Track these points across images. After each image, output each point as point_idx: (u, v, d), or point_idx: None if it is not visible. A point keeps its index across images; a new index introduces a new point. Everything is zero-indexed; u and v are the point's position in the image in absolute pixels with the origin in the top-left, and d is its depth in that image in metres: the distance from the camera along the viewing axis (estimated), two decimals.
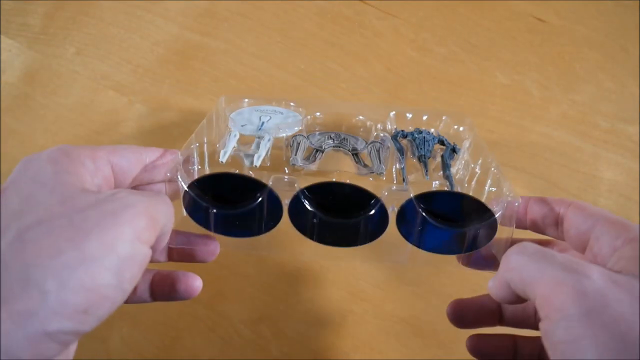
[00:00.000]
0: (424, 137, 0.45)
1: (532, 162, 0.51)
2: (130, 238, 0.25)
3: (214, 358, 0.43)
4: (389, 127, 0.47)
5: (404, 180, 0.42)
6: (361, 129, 0.48)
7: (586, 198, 0.49)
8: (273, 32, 0.55)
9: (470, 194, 0.40)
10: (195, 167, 0.36)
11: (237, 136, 0.43)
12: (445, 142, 0.45)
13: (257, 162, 0.41)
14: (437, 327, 0.44)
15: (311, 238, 0.35)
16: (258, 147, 0.43)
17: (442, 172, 0.43)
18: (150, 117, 0.51)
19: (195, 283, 0.33)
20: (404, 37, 0.56)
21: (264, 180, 0.33)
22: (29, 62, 0.53)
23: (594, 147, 0.51)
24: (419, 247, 0.36)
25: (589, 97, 0.53)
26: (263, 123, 0.45)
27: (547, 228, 0.35)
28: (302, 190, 0.34)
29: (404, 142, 0.45)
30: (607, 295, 0.23)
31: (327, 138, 0.46)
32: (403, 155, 0.44)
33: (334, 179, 0.35)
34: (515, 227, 0.36)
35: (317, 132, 0.47)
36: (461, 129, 0.48)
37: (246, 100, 0.47)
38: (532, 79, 0.54)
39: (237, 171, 0.34)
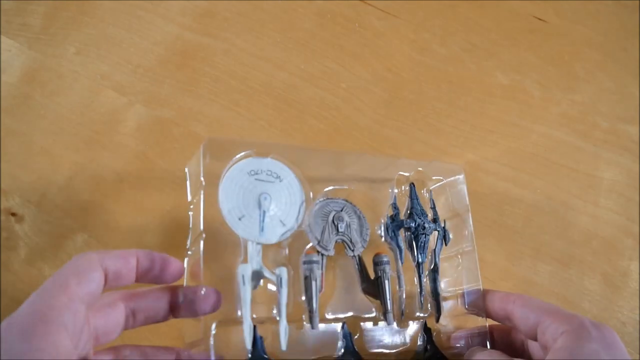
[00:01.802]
0: (425, 230, 0.42)
1: (532, 162, 0.51)
2: None
3: None
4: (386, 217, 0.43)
5: (402, 313, 0.40)
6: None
7: (586, 198, 0.49)
8: (273, 32, 0.55)
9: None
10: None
11: (250, 286, 0.34)
12: (437, 226, 0.43)
13: (284, 346, 0.34)
14: None
15: None
16: (256, 284, 0.35)
17: (430, 287, 0.42)
18: (150, 117, 0.51)
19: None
20: (404, 37, 0.56)
21: None
22: (29, 62, 0.53)
23: (594, 147, 0.51)
24: None
25: (589, 97, 0.53)
26: (264, 213, 0.36)
27: (505, 321, 0.38)
28: None
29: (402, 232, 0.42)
30: None
31: (332, 228, 0.40)
32: (400, 262, 0.41)
33: None
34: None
35: (317, 207, 0.40)
36: (449, 198, 0.45)
37: (237, 155, 0.37)
38: (532, 79, 0.54)
39: None
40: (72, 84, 0.52)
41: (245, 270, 0.34)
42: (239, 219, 0.35)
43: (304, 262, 0.38)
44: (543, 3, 0.57)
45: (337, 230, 0.40)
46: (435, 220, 0.43)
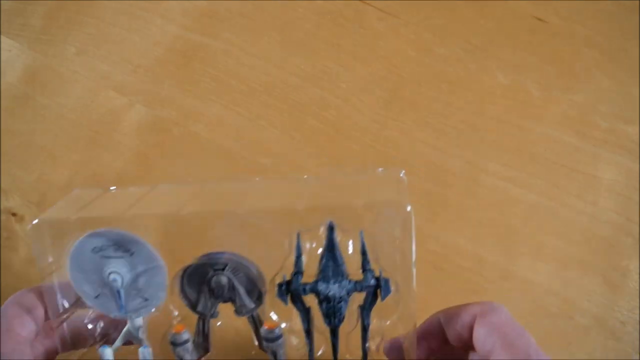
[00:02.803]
0: (335, 302, 0.33)
1: (531, 162, 0.51)
2: None
3: None
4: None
5: None
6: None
7: (586, 198, 0.49)
8: (273, 32, 0.56)
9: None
10: None
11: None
12: (366, 281, 0.32)
13: None
14: None
15: None
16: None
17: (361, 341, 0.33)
18: (151, 117, 0.51)
19: None
20: (404, 37, 0.56)
21: None
22: (29, 62, 0.53)
23: (593, 147, 0.51)
24: None
25: (588, 97, 0.53)
26: (119, 292, 0.32)
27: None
28: None
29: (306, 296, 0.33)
30: None
31: (208, 295, 0.34)
32: (308, 326, 0.33)
33: None
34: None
35: (188, 270, 0.34)
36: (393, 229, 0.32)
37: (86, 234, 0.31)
38: (532, 79, 0.54)
39: None
40: (72, 84, 0.52)
41: (105, 354, 0.33)
42: (96, 297, 0.33)
43: (172, 344, 0.33)
44: (543, 3, 0.57)
45: (217, 296, 0.34)
46: (365, 269, 0.33)
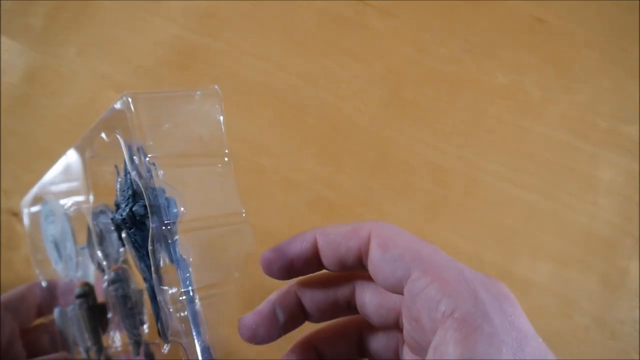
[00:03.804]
0: (120, 224, 0.27)
1: (531, 162, 0.51)
2: None
3: None
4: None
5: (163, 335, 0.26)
6: None
7: (585, 198, 0.49)
8: (273, 32, 0.56)
9: None
10: None
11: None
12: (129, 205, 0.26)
13: None
14: None
15: None
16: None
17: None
18: None
19: None
20: (404, 37, 0.56)
21: None
22: (29, 63, 0.53)
23: (593, 147, 0.51)
24: None
25: (588, 97, 0.53)
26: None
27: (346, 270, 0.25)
28: None
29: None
30: None
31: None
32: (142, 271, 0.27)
33: None
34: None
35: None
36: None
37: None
38: (531, 79, 0.54)
39: None
40: (73, 84, 0.53)
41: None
42: (55, 262, 0.35)
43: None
44: (543, 3, 0.57)
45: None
46: (134, 195, 0.26)
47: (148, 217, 0.25)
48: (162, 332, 0.26)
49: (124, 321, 0.29)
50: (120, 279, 0.29)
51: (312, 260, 0.25)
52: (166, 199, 0.25)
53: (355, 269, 0.25)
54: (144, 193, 0.25)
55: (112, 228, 0.29)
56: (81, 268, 0.33)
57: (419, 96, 0.53)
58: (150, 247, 0.25)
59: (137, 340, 0.29)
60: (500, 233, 0.49)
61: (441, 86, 0.54)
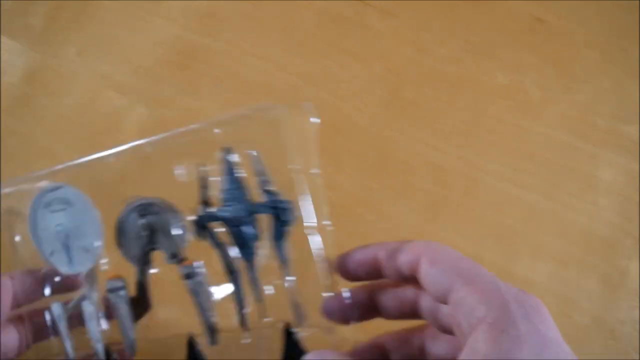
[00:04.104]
0: (236, 218, 0.32)
1: (531, 162, 0.51)
2: None
3: None
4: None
5: (242, 321, 0.32)
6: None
7: (585, 198, 0.49)
8: (273, 32, 0.56)
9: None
10: None
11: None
12: (269, 202, 0.32)
13: None
14: None
15: None
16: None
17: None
18: (151, 118, 0.51)
19: None
20: (404, 37, 0.56)
21: None
22: (29, 63, 0.53)
23: (593, 147, 0.51)
24: None
25: (588, 97, 0.53)
26: (66, 245, 0.34)
27: (407, 282, 0.31)
28: None
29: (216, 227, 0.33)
30: None
31: (136, 242, 0.34)
32: (229, 262, 0.32)
33: None
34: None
35: (118, 221, 0.35)
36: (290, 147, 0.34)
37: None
38: (531, 79, 0.54)
39: None
40: (73, 84, 0.53)
41: (57, 309, 0.34)
42: (50, 254, 0.34)
43: (107, 291, 0.33)
44: (543, 3, 0.57)
45: (145, 242, 0.34)
46: (269, 192, 0.32)
47: (252, 219, 0.31)
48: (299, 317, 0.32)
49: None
50: (195, 273, 0.33)
51: (374, 268, 0.31)
52: (289, 202, 0.32)
53: (410, 279, 0.29)
54: (275, 196, 0.32)
55: (182, 224, 0.33)
56: (89, 262, 0.34)
57: (419, 96, 0.53)
58: (273, 243, 0.31)
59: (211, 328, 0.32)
60: (500, 233, 0.49)
61: (441, 86, 0.54)
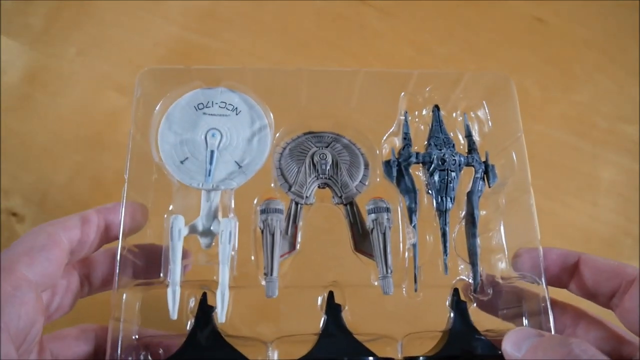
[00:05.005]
0: (446, 165, 0.32)
1: (531, 162, 0.51)
2: None
3: None
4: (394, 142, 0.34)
5: (415, 279, 0.31)
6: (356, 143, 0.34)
7: (586, 198, 0.49)
8: (273, 32, 0.56)
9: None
10: None
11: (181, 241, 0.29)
12: (473, 160, 0.33)
13: (222, 317, 0.29)
14: None
15: None
16: (210, 242, 0.30)
17: (465, 234, 0.32)
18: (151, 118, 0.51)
19: None
20: (404, 37, 0.56)
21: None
22: (30, 63, 0.53)
23: (593, 147, 0.51)
24: None
25: (588, 97, 0.53)
26: (212, 153, 0.30)
27: (562, 286, 0.31)
28: None
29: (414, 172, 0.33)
30: None
31: (310, 170, 0.32)
32: (415, 208, 0.31)
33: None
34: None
35: (293, 144, 0.33)
36: (490, 122, 0.35)
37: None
38: (531, 79, 0.54)
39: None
40: (73, 84, 0.53)
41: (178, 223, 0.29)
42: (182, 162, 0.30)
43: (261, 211, 0.30)
44: (543, 3, 0.57)
45: (319, 172, 0.31)
46: (471, 151, 0.33)
47: (460, 169, 0.32)
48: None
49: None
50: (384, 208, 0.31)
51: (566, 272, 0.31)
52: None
53: (597, 298, 0.29)
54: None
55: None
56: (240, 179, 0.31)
57: None
58: (473, 197, 0.32)
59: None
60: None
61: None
